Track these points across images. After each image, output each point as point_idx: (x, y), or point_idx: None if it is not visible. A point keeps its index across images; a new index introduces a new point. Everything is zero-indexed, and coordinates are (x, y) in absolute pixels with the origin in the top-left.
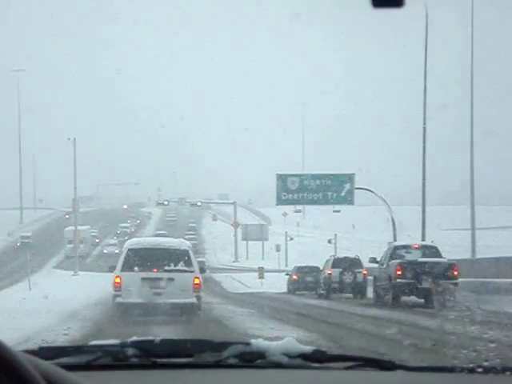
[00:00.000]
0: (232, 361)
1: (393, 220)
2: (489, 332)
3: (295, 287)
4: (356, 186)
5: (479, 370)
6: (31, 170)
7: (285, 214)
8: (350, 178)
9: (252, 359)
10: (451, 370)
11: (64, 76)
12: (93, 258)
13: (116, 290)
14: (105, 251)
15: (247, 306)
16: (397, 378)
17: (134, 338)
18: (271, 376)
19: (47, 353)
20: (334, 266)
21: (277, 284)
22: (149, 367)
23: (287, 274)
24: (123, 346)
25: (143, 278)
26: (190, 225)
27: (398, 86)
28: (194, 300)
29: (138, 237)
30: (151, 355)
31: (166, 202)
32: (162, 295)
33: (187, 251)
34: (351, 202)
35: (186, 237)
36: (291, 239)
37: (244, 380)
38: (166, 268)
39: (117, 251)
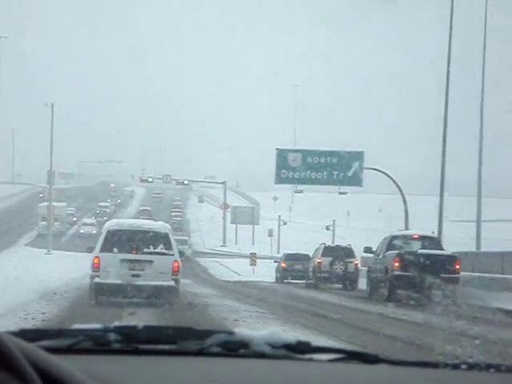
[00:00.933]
0: (215, 349)
1: (405, 207)
2: (474, 328)
3: (283, 275)
4: (365, 166)
5: (463, 366)
6: (10, 143)
7: (275, 198)
8: (358, 156)
9: (235, 348)
10: (435, 365)
11: (54, 42)
12: (68, 238)
13: (94, 271)
14: (81, 231)
15: (249, 300)
16: (380, 371)
17: (117, 324)
18: (254, 366)
19: (29, 335)
20: (324, 255)
21: (270, 272)
22: (131, 353)
23: (276, 262)
24: (106, 330)
25: (122, 260)
26: (175, 203)
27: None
28: (172, 283)
29: (118, 217)
30: (134, 341)
31: (150, 179)
32: (140, 277)
33: (167, 234)
34: (359, 184)
35: (173, 213)
36: (284, 224)
37: (227, 369)
38: (146, 250)
39: (94, 231)
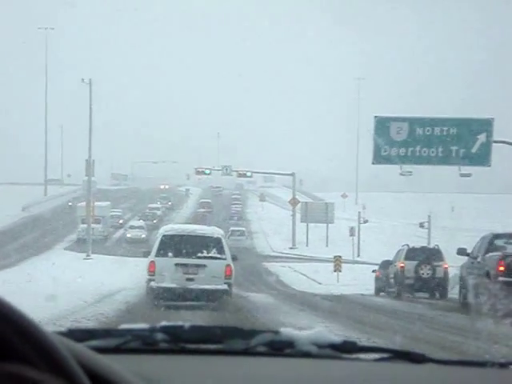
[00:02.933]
0: (261, 349)
1: None
2: None
3: (379, 286)
4: (495, 139)
5: (511, 366)
6: (59, 143)
7: (344, 196)
8: (486, 125)
9: (281, 348)
10: (482, 364)
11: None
12: (113, 242)
13: (150, 275)
14: (128, 235)
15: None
16: (426, 370)
17: (164, 323)
18: (300, 365)
19: (77, 335)
20: (407, 258)
21: (359, 280)
22: (178, 352)
23: (374, 271)
24: (153, 330)
25: (177, 264)
26: (234, 196)
27: None
28: (225, 287)
29: (169, 220)
30: (180, 341)
31: (207, 171)
32: (194, 281)
33: (220, 239)
34: (486, 162)
35: (232, 206)
36: (365, 222)
37: (272, 368)
38: (199, 255)
39: (143, 235)
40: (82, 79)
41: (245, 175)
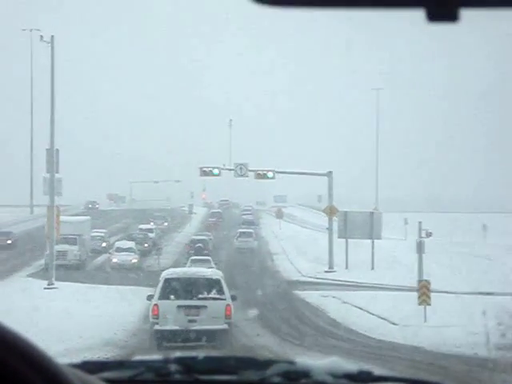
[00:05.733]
0: (276, 379)
1: None
2: None
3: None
4: None
5: None
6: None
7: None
8: None
9: (296, 378)
10: None
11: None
12: (92, 268)
13: (154, 318)
14: (114, 259)
15: None
16: None
17: (178, 354)
18: None
19: (90, 367)
20: None
21: (459, 318)
22: None
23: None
24: (166, 361)
25: (179, 306)
26: (246, 208)
27: None
28: (225, 326)
29: (164, 244)
30: (194, 372)
31: (215, 171)
32: (196, 322)
33: (219, 280)
34: None
35: (244, 216)
36: (429, 235)
37: None
38: (200, 296)
39: (134, 260)
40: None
41: (265, 176)
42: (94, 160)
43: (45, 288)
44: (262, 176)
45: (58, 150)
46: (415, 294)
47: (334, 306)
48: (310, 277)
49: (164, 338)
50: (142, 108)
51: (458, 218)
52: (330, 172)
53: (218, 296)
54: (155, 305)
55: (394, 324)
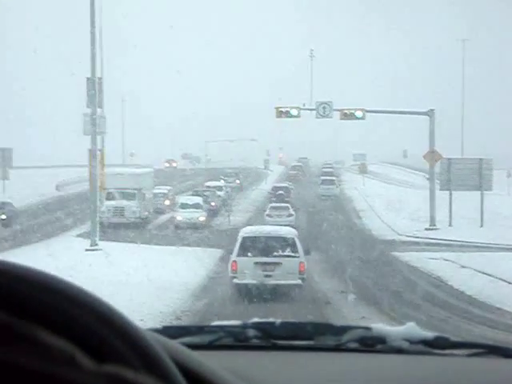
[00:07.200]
0: (352, 345)
1: None
2: None
3: None
4: None
5: None
6: (121, 121)
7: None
8: None
9: (372, 344)
10: None
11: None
12: (152, 228)
13: (233, 273)
14: (179, 217)
15: None
16: None
17: (255, 320)
18: (392, 361)
19: (171, 332)
20: None
21: None
22: (269, 349)
23: None
24: (245, 327)
25: (256, 263)
26: (327, 163)
27: None
28: (299, 282)
29: (236, 203)
30: (272, 337)
31: (293, 111)
32: (271, 277)
33: (294, 239)
34: None
35: (324, 169)
36: None
37: (364, 364)
38: (275, 253)
39: (202, 218)
40: None
41: (353, 116)
42: (169, 120)
43: (86, 250)
44: (348, 116)
45: (100, 78)
46: None
47: (451, 271)
48: (408, 236)
49: (242, 291)
50: (217, 65)
51: None
52: (432, 110)
53: (292, 254)
54: (234, 261)
55: None
